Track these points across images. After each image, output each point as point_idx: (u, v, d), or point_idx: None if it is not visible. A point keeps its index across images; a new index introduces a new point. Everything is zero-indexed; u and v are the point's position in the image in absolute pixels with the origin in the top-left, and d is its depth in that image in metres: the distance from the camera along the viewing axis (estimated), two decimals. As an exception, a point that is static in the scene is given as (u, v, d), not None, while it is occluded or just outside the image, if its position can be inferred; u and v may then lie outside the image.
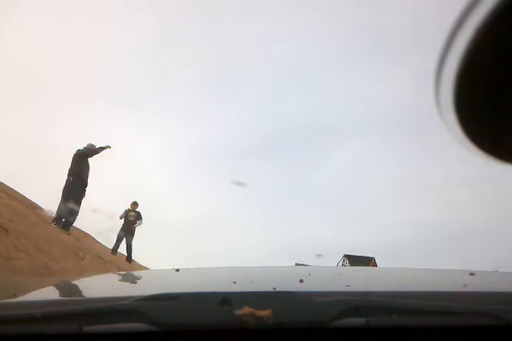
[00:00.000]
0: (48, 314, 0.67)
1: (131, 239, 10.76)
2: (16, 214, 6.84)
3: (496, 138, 0.47)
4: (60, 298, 0.96)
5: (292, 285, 0.92)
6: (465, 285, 0.90)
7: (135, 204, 11.15)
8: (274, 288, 0.77)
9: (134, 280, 1.47)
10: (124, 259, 10.53)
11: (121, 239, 10.69)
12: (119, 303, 0.69)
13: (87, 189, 9.16)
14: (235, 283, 0.95)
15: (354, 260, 19.24)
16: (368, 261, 18.61)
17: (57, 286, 1.27)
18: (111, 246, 10.85)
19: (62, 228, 8.67)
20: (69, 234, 8.63)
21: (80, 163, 8.90)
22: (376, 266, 18.13)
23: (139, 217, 10.99)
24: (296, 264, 16.29)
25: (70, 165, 8.90)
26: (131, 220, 10.79)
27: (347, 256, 19.34)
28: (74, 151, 9.07)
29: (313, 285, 1.06)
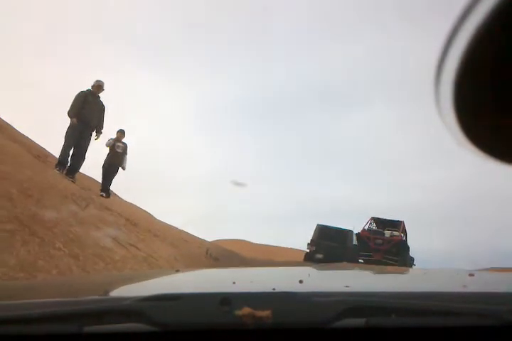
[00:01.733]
0: (48, 314, 0.67)
1: (116, 172, 9.33)
2: (6, 155, 5.90)
3: (496, 138, 0.46)
4: (60, 298, 0.92)
5: (292, 286, 0.91)
6: (465, 286, 0.91)
7: (122, 132, 9.48)
8: (274, 289, 0.77)
9: (134, 280, 1.43)
10: (101, 192, 9.06)
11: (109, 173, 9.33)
12: (119, 303, 0.69)
13: (96, 133, 8.23)
14: (234, 283, 0.95)
15: (382, 223, 17.91)
16: (396, 225, 17.26)
17: (57, 286, 1.28)
18: (123, 196, 9.98)
19: (67, 174, 7.81)
20: (73, 181, 7.74)
21: (82, 104, 7.85)
22: (405, 230, 17.05)
23: (125, 150, 9.40)
24: (318, 225, 15.42)
25: (69, 107, 7.86)
26: (118, 152, 9.25)
27: (374, 219, 18.06)
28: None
29: (312, 285, 1.06)
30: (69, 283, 1.34)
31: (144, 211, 13.35)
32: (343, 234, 15.55)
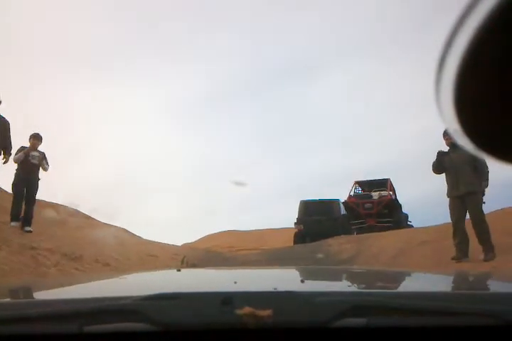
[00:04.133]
0: (48, 314, 0.66)
1: (35, 192, 6.88)
2: None
3: (497, 138, 0.47)
4: (60, 297, 0.91)
5: (293, 285, 0.92)
6: (465, 286, 0.94)
7: (37, 138, 6.97)
8: (275, 288, 0.77)
9: (134, 280, 1.43)
10: (24, 227, 6.63)
11: (22, 196, 6.73)
12: (119, 303, 0.69)
13: (3, 155, 6.75)
14: (235, 283, 0.94)
15: (367, 185, 16.20)
16: (383, 183, 15.77)
17: (57, 286, 1.27)
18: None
19: (23, 226, 6.62)
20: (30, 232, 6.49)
21: None
22: (393, 187, 15.99)
23: (44, 160, 7.00)
24: (301, 201, 14.27)
25: None
26: (34, 164, 6.83)
27: (358, 183, 16.64)
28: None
29: (314, 285, 1.07)
30: (69, 283, 1.29)
31: (117, 228, 12.00)
32: (329, 205, 14.46)
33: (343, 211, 14.69)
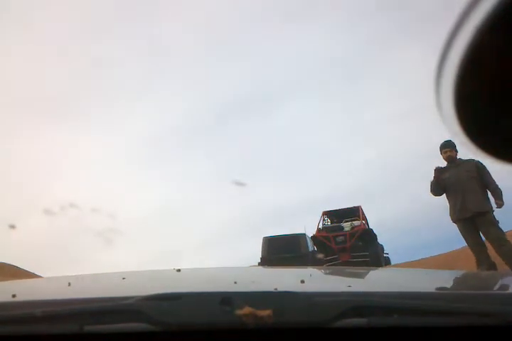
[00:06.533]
0: (49, 314, 0.66)
1: None
2: None
3: (497, 138, 0.47)
4: (60, 297, 0.89)
5: (293, 286, 0.92)
6: (465, 286, 0.94)
7: None
8: (276, 288, 0.76)
9: (134, 280, 1.41)
10: None
11: None
12: (119, 303, 0.69)
13: None
14: (236, 283, 0.94)
15: (336, 215, 14.49)
16: (354, 212, 14.28)
17: (58, 286, 1.27)
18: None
19: None
20: None
21: None
22: (364, 215, 14.40)
23: None
24: (264, 238, 12.50)
25: None
26: None
27: (326, 213, 15.09)
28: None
29: (314, 285, 1.06)
30: (69, 283, 1.24)
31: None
32: (294, 240, 12.92)
33: (311, 246, 12.98)
